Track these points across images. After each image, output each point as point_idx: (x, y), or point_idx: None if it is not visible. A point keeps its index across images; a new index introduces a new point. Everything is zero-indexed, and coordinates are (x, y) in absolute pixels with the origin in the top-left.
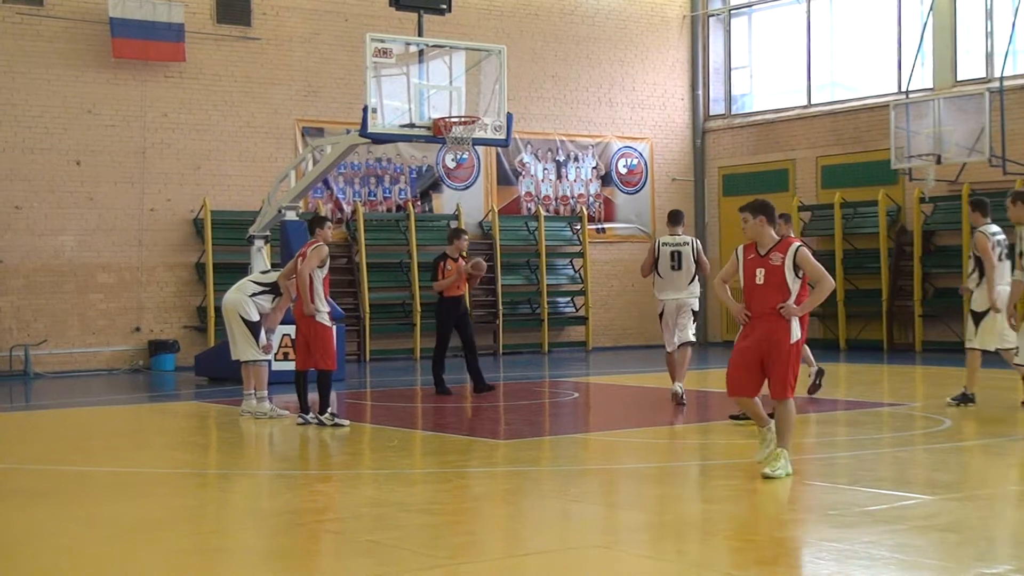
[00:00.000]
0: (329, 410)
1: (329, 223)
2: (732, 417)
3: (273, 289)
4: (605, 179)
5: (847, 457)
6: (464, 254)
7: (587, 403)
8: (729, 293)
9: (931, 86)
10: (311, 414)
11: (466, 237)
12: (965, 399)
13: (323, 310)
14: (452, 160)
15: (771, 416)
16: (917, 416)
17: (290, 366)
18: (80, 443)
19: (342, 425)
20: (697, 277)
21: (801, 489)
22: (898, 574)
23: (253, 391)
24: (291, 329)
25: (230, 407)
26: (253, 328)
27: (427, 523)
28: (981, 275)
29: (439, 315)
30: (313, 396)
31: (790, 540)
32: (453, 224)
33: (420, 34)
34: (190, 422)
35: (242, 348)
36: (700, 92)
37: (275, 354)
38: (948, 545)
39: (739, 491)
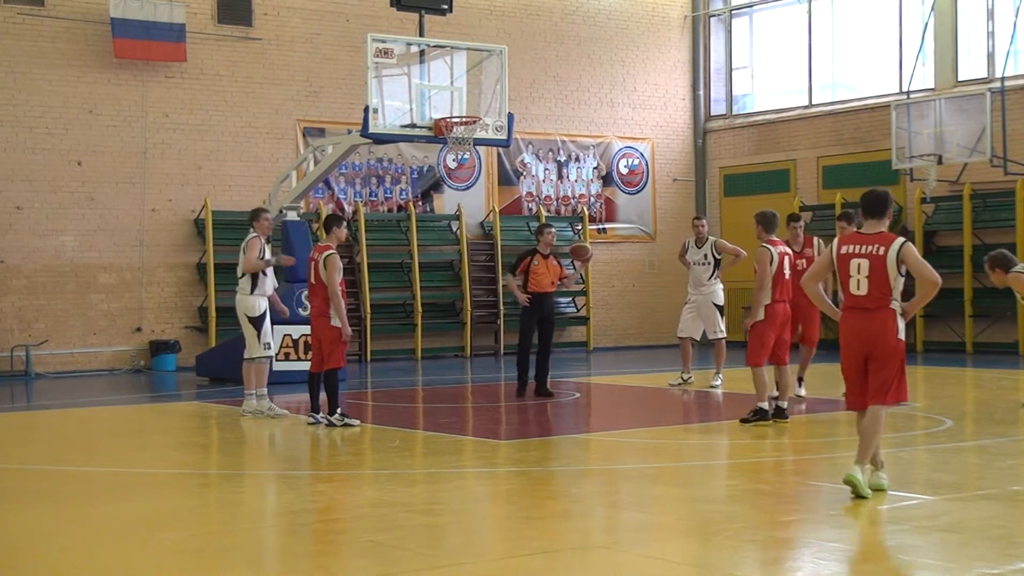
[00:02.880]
0: (339, 410)
1: (344, 222)
2: (742, 420)
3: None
4: (606, 179)
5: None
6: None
7: (588, 403)
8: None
9: (932, 86)
10: (321, 414)
11: (551, 230)
12: None
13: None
14: (453, 160)
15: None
16: (918, 416)
17: (291, 366)
18: (81, 443)
19: (352, 425)
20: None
21: (801, 489)
22: (900, 574)
23: (254, 390)
24: (292, 330)
25: (231, 407)
26: (257, 324)
27: (428, 523)
28: None
29: (524, 310)
30: (324, 396)
31: (791, 540)
32: (455, 224)
33: (421, 34)
34: (191, 422)
35: (248, 345)
36: (701, 92)
37: (276, 355)
38: (949, 545)
39: (739, 491)
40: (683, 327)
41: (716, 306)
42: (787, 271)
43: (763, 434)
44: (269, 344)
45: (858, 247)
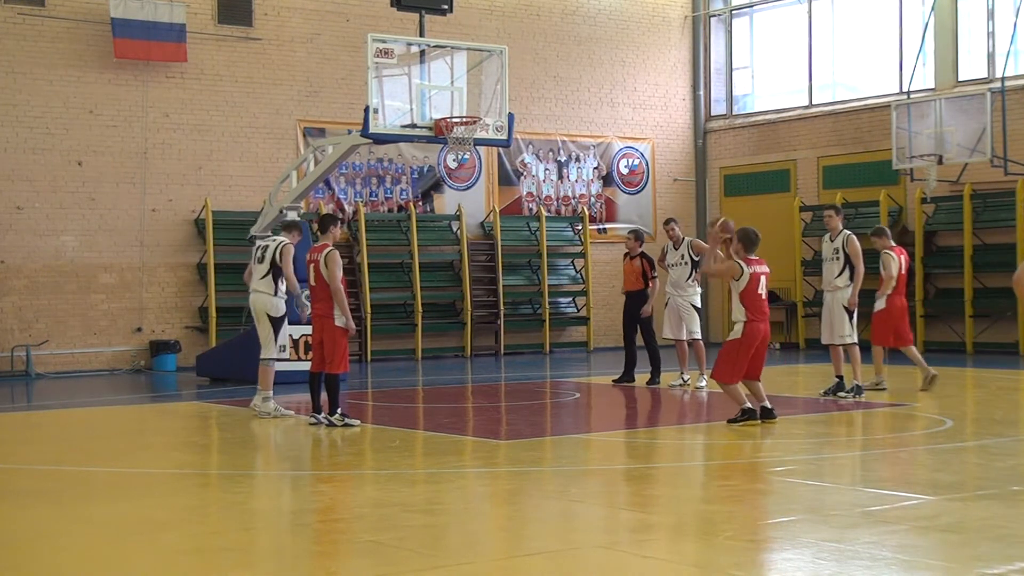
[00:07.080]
0: (339, 411)
1: (339, 221)
2: (729, 421)
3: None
4: (606, 179)
5: (848, 457)
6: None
7: (588, 404)
8: None
9: (932, 86)
10: (322, 414)
11: (644, 235)
12: (859, 390)
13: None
14: (453, 160)
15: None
16: (918, 416)
17: (291, 366)
18: (81, 443)
19: (352, 425)
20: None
21: (801, 489)
22: (899, 575)
23: (271, 391)
24: (292, 330)
25: (232, 407)
26: (277, 325)
27: (429, 523)
28: (851, 275)
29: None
30: (325, 396)
31: (791, 540)
32: (455, 224)
33: (421, 34)
34: (191, 422)
35: (264, 346)
36: (702, 92)
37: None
38: (949, 545)
39: (739, 491)
40: (667, 330)
41: (694, 307)
42: (763, 291)
43: (762, 434)
44: (284, 347)
45: None
